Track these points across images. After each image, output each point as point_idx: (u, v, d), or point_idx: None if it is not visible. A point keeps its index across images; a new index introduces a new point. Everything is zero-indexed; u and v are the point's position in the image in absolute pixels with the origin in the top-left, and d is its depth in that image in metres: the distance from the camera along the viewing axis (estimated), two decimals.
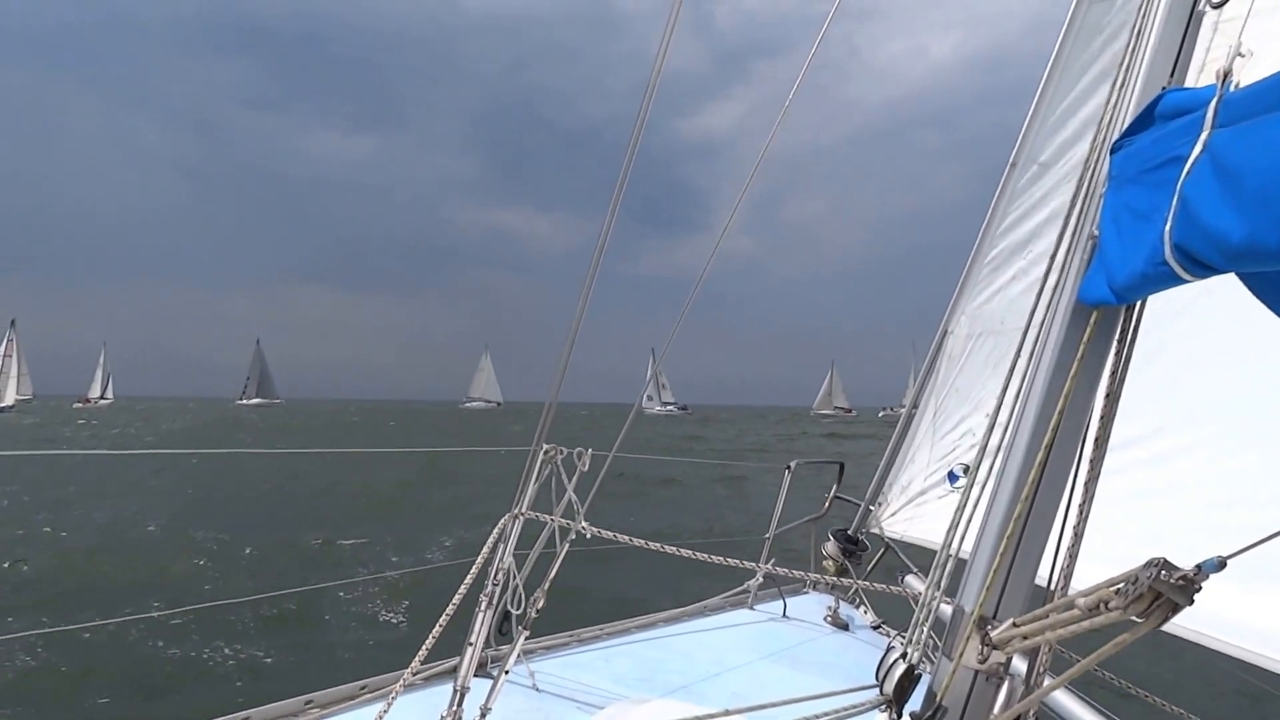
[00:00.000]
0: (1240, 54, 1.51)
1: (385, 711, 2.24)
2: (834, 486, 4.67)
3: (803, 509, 4.59)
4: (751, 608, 4.16)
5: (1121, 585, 1.30)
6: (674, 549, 3.13)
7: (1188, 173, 1.37)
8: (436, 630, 2.40)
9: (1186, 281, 1.41)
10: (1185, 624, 2.70)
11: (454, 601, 2.40)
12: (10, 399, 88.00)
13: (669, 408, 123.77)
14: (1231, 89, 1.42)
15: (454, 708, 2.11)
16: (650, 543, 3.06)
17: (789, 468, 4.41)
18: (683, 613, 4.04)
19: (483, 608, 2.31)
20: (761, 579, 4.12)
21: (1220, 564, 1.21)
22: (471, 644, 2.30)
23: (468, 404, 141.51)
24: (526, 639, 2.75)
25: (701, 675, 3.22)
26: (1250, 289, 1.41)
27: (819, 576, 3.95)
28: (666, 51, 2.49)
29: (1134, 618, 1.29)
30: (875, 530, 4.59)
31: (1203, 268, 1.33)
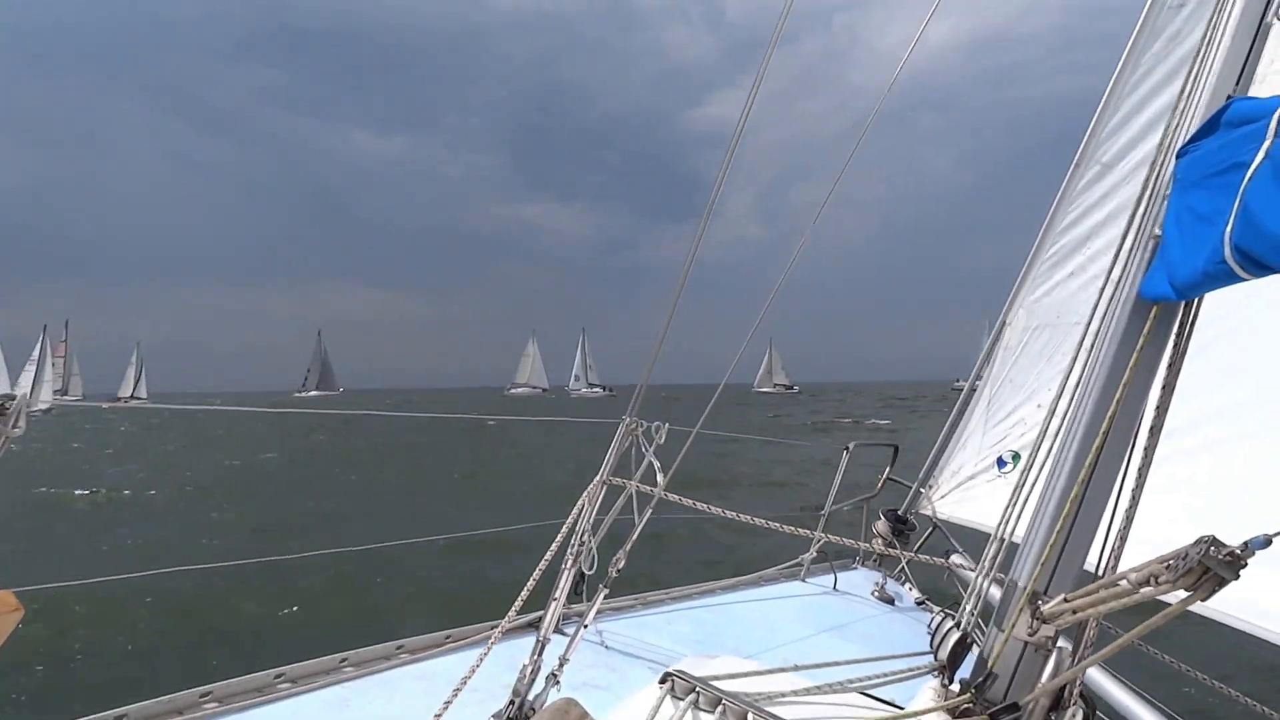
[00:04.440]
0: None
1: (481, 661, 2.41)
2: (888, 468, 4.82)
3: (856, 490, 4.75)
4: (804, 580, 4.32)
5: (1171, 561, 1.41)
6: (747, 518, 3.28)
7: (1250, 178, 1.45)
8: (531, 584, 2.57)
9: (1244, 280, 1.50)
10: (1221, 608, 2.79)
11: (546, 558, 2.57)
12: (48, 402, 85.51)
13: (595, 389, 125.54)
14: None
15: (535, 657, 2.25)
16: (727, 511, 3.21)
17: (847, 448, 4.57)
18: (740, 581, 4.23)
19: (568, 566, 2.46)
20: (815, 553, 4.28)
21: (1266, 541, 1.31)
22: (555, 599, 2.45)
23: (513, 390, 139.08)
24: (583, 598, 2.91)
25: (757, 640, 3.39)
26: None
27: (869, 548, 4.09)
28: (748, 115, 2.64)
29: (1182, 591, 1.40)
30: (925, 511, 4.71)
31: (1260, 267, 1.42)
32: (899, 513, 4.66)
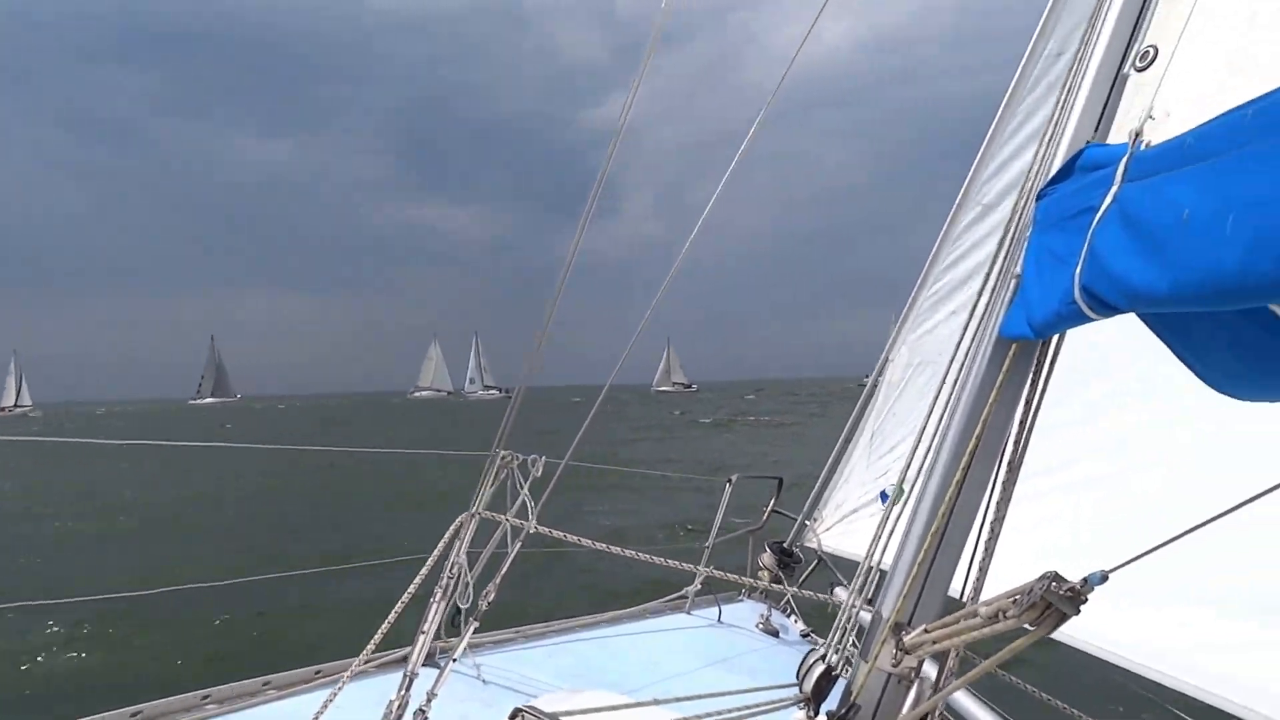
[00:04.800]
0: (1151, 116, 1.65)
1: (334, 697, 2.32)
2: (772, 500, 4.85)
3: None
4: (688, 612, 4.31)
5: (1018, 596, 1.43)
6: (619, 550, 3.24)
7: (1098, 222, 1.50)
8: (392, 616, 2.49)
9: (1092, 320, 1.54)
10: (1076, 634, 2.88)
11: (410, 591, 2.50)
12: None
13: (491, 391, 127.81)
14: (1142, 148, 1.56)
15: (403, 693, 2.19)
16: (597, 544, 3.17)
17: (730, 480, 4.58)
18: (623, 614, 4.19)
19: (436, 599, 2.40)
20: (699, 585, 4.27)
21: (1103, 578, 1.33)
22: (424, 633, 2.38)
23: (416, 393, 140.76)
24: (476, 632, 2.86)
25: (637, 672, 3.35)
26: (1150, 328, 1.57)
27: (754, 583, 4.10)
28: (630, 107, 2.64)
29: (1028, 625, 1.42)
30: (810, 544, 4.76)
31: (1106, 308, 1.46)
32: (784, 545, 4.69)
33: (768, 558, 4.57)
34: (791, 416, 54.02)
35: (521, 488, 2.66)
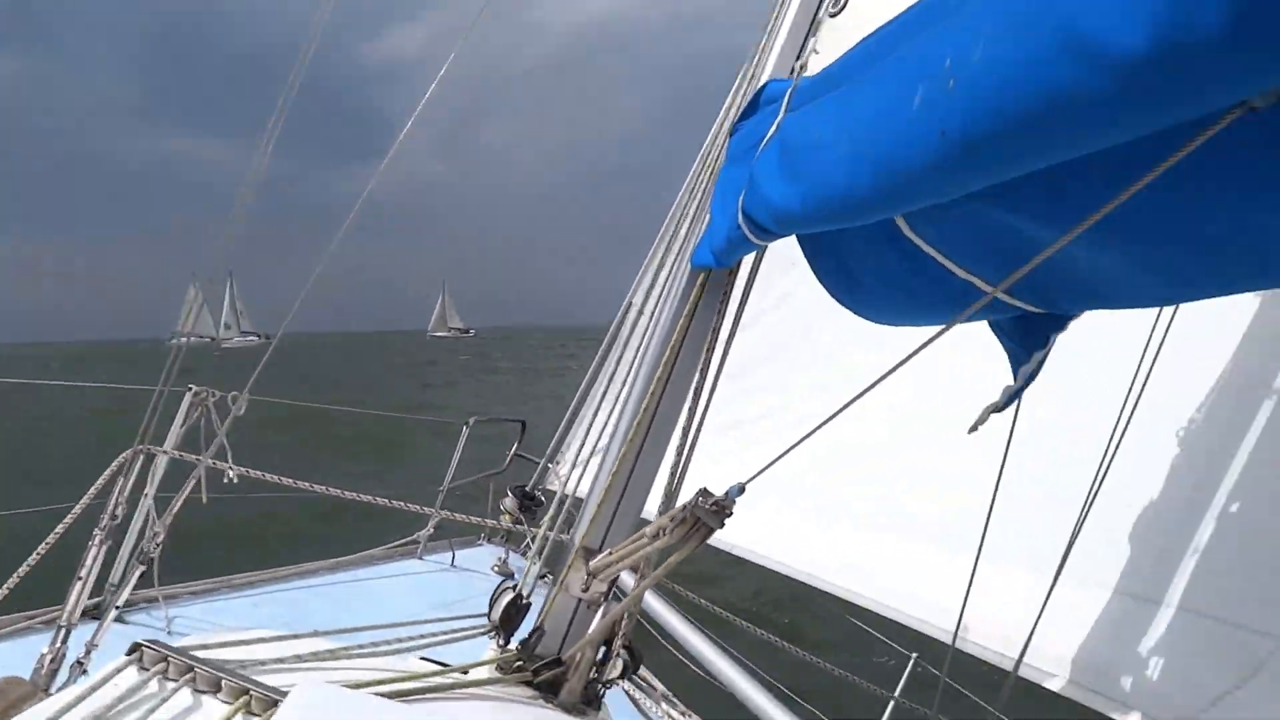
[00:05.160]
0: (816, 51, 1.73)
1: None
2: (515, 444, 4.80)
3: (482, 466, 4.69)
4: (421, 558, 4.20)
5: (675, 513, 1.47)
6: (339, 492, 3.09)
7: (761, 151, 1.55)
8: (33, 559, 2.23)
9: (758, 245, 1.60)
10: (740, 543, 3.04)
11: (56, 533, 2.24)
12: None
13: (249, 338, 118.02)
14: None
15: (56, 645, 1.97)
16: (314, 485, 3.00)
17: (466, 424, 4.49)
18: (346, 561, 4.02)
19: (95, 543, 2.16)
20: (433, 530, 4.17)
21: (741, 489, 1.39)
22: (80, 579, 2.15)
23: (174, 340, 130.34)
24: (173, 583, 2.64)
25: (350, 619, 3.21)
26: (805, 255, 1.64)
27: (493, 524, 4.05)
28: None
29: (683, 538, 1.47)
30: (553, 487, 4.76)
31: (764, 232, 1.51)
32: (526, 489, 4.67)
33: (509, 501, 4.53)
34: (576, 361, 54.20)
35: (218, 429, 2.48)
